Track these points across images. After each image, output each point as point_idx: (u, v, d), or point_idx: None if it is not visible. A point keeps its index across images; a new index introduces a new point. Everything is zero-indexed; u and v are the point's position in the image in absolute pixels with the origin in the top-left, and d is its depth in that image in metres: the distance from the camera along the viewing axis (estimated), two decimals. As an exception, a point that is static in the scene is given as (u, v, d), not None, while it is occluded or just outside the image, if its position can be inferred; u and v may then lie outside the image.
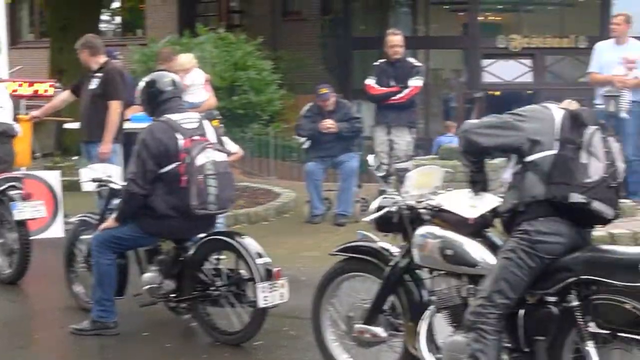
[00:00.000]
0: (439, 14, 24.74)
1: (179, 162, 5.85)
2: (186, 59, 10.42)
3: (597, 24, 20.66)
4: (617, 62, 10.19)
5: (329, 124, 10.29)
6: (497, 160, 6.93)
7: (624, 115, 9.93)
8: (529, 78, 22.64)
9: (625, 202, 9.76)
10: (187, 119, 6.06)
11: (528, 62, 22.63)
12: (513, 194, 4.35)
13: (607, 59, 10.34)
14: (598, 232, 7.80)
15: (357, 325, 4.98)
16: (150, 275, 6.27)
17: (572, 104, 4.46)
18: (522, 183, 4.30)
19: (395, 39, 10.42)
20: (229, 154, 6.35)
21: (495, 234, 4.63)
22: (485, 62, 22.79)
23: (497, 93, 22.82)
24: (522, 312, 4.32)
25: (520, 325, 4.33)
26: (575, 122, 4.28)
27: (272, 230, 10.06)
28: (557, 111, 4.37)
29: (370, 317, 4.94)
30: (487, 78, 22.82)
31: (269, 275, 5.71)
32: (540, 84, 22.07)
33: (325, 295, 5.25)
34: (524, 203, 4.27)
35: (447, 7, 25.22)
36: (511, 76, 22.87)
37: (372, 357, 5.09)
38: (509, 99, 19.77)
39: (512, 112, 4.44)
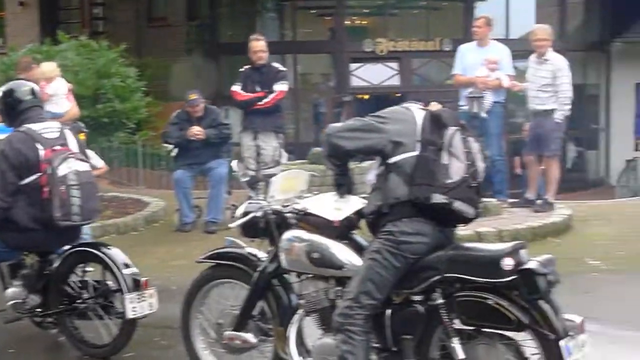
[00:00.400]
0: (306, 18, 24.90)
1: (40, 173, 5.70)
2: (49, 67, 10.19)
3: (461, 27, 21.13)
4: (480, 63, 10.46)
5: (196, 131, 10.22)
6: (367, 163, 7.01)
7: (483, 115, 10.20)
8: (396, 81, 22.99)
9: (491, 201, 10.09)
10: (47, 129, 5.90)
11: (395, 65, 22.98)
12: (377, 196, 4.40)
13: (470, 60, 10.60)
14: (465, 230, 8.06)
15: (226, 332, 4.97)
16: (14, 290, 6.08)
17: (435, 106, 4.55)
18: (386, 185, 4.35)
19: (258, 45, 10.42)
20: (93, 168, 6.23)
21: (360, 235, 4.67)
22: (353, 66, 23.03)
23: (366, 96, 23.09)
24: (389, 312, 4.38)
25: (388, 325, 4.39)
26: (435, 123, 4.34)
27: (141, 240, 9.94)
28: (418, 113, 4.43)
29: (240, 323, 4.94)
30: (355, 82, 23.06)
31: (136, 286, 5.62)
32: (407, 87, 22.44)
33: (193, 304, 5.22)
34: (388, 204, 4.32)
35: (314, 11, 25.39)
36: (379, 79, 23.19)
37: (243, 364, 5.08)
38: (378, 102, 20.00)
39: (374, 114, 4.48)
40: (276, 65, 10.67)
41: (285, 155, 10.50)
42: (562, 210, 10.31)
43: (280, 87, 10.27)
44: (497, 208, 10.15)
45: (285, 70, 10.79)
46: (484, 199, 9.95)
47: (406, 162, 4.29)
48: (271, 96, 10.19)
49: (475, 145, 4.42)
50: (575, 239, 9.61)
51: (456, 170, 4.26)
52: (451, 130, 4.32)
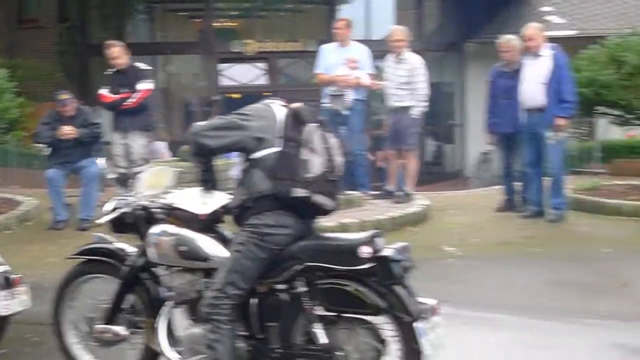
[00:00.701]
0: (177, 20, 24.85)
1: None
2: None
3: (325, 28, 21.47)
4: (341, 63, 10.79)
5: (67, 130, 10.23)
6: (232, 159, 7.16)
7: (345, 112, 10.53)
8: (264, 80, 23.19)
9: (354, 194, 10.43)
10: None
11: (263, 65, 23.19)
12: (242, 190, 4.55)
13: (331, 60, 10.92)
14: (329, 222, 8.34)
15: (97, 326, 5.05)
16: None
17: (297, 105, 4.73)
18: (250, 179, 4.51)
19: (111, 52, 10.64)
20: None
21: (226, 229, 4.83)
22: (222, 66, 23.12)
23: (236, 96, 23.18)
24: (254, 301, 4.55)
25: (254, 314, 4.55)
26: (295, 120, 4.52)
27: (14, 238, 9.86)
28: (279, 110, 4.60)
29: (111, 317, 5.04)
30: (224, 82, 23.14)
31: (8, 283, 5.61)
32: (275, 86, 22.64)
33: (64, 299, 5.27)
34: (252, 198, 4.48)
35: (183, 13, 25.35)
36: (247, 79, 23.35)
37: (115, 356, 5.16)
38: (247, 101, 20.02)
39: (237, 112, 4.63)
40: (138, 65, 10.77)
41: (167, 152, 10.59)
42: (420, 201, 10.75)
43: (144, 86, 10.43)
44: (360, 200, 10.50)
45: (149, 69, 10.89)
46: (348, 192, 10.32)
47: (268, 158, 4.45)
48: (135, 95, 10.37)
49: (333, 141, 4.61)
50: (433, 227, 10.05)
51: (315, 165, 4.44)
52: (310, 126, 4.50)
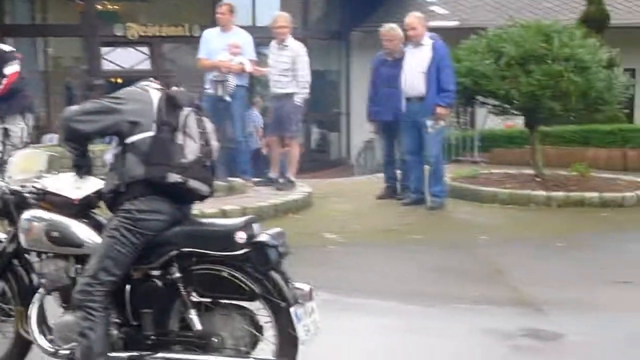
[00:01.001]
0: (57, 2, 24.25)
1: None
2: None
3: (210, 13, 21.29)
4: (223, 48, 10.71)
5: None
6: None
7: (227, 98, 10.47)
8: (147, 65, 22.86)
9: (236, 180, 10.41)
10: None
11: (146, 49, 22.86)
12: (115, 175, 4.47)
13: (214, 45, 10.83)
14: (211, 208, 8.31)
15: (-36, 315, 4.92)
16: None
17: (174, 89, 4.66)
18: (123, 164, 4.43)
19: None
20: None
21: (100, 214, 4.75)
22: (104, 49, 22.70)
23: (120, 80, 22.81)
24: (128, 287, 4.50)
25: (128, 300, 4.50)
26: (171, 104, 4.45)
27: None
28: (154, 93, 4.52)
29: (-20, 305, 4.90)
30: (107, 66, 22.72)
31: None
32: (158, 71, 22.35)
33: None
34: (125, 183, 4.41)
35: (64, -5, 24.79)
36: (130, 63, 23.00)
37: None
38: (130, 85, 19.77)
39: (110, 95, 4.56)
40: (3, 47, 10.46)
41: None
42: (303, 188, 10.80)
43: (11, 69, 10.10)
44: (242, 187, 10.48)
45: (13, 50, 10.57)
46: (230, 179, 10.30)
47: (143, 142, 4.38)
48: (4, 81, 10.03)
49: (209, 126, 4.58)
50: (315, 214, 10.11)
51: (191, 150, 4.40)
52: (186, 111, 4.45)
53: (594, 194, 10.75)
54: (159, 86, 4.63)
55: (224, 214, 8.80)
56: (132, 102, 4.47)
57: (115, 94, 4.55)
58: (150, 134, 4.40)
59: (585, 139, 15.09)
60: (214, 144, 4.59)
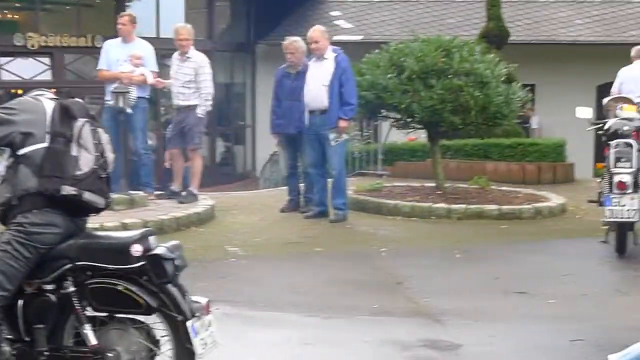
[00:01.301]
0: (-48, 9, 23.68)
1: None
2: None
3: (113, 24, 21.06)
4: (124, 59, 10.59)
5: None
6: None
7: (129, 110, 10.34)
8: (48, 76, 22.46)
9: (137, 193, 10.30)
10: None
11: (47, 60, 22.47)
12: (7, 188, 4.39)
13: (114, 56, 10.69)
14: (111, 222, 8.21)
15: None
16: None
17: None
18: (16, 176, 4.36)
19: None
20: None
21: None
22: (3, 60, 22.24)
23: (20, 91, 22.35)
24: (21, 302, 4.40)
25: (20, 316, 4.41)
26: (65, 114, 4.39)
27: None
28: (48, 103, 4.45)
29: None
30: (5, 76, 22.26)
31: None
32: (60, 82, 21.95)
33: None
34: (18, 196, 4.33)
35: (-40, 3, 24.17)
36: (30, 74, 22.55)
37: None
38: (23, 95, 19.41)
39: (3, 105, 4.48)
40: None
41: None
42: (205, 202, 10.73)
43: None
44: (143, 200, 10.35)
45: None
46: (132, 192, 10.17)
47: (36, 154, 4.32)
48: None
49: (105, 137, 4.54)
50: (217, 227, 10.05)
51: (86, 161, 4.36)
52: (81, 121, 4.40)
53: (493, 207, 10.95)
54: (52, 96, 4.56)
55: (125, 227, 8.66)
56: (24, 113, 4.40)
57: (7, 105, 4.49)
58: (44, 145, 4.34)
59: (485, 152, 15.36)
60: (110, 155, 4.56)
